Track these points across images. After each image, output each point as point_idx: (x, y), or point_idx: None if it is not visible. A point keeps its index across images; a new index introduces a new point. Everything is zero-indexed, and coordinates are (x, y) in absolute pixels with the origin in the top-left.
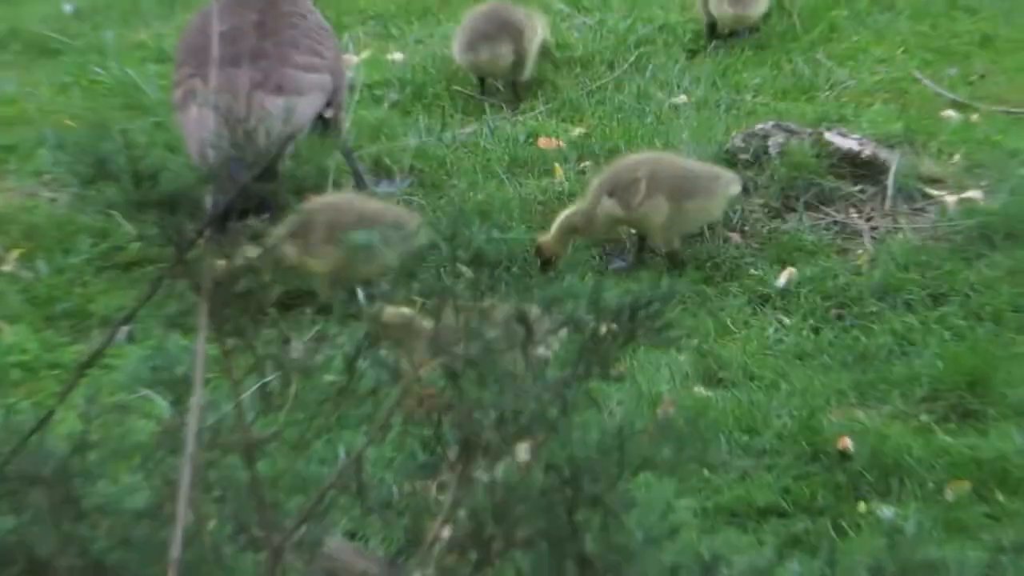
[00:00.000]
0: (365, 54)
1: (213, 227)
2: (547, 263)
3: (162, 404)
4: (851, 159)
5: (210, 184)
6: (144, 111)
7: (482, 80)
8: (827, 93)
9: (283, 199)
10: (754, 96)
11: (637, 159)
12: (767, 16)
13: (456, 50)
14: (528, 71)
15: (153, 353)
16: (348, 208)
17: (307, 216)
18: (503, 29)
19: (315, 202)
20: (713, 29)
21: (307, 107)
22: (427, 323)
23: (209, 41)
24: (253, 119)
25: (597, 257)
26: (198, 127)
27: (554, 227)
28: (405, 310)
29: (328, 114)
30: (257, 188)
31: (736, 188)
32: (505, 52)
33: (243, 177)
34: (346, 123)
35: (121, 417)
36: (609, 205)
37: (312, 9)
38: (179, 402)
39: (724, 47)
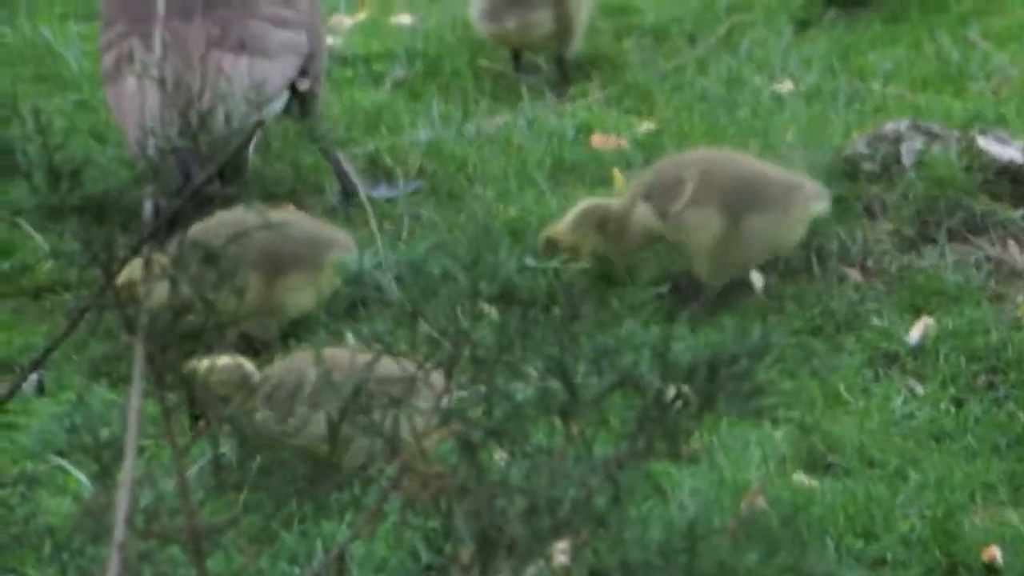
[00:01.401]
0: (361, 15)
1: (153, 242)
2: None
3: (81, 477)
4: (1011, 174)
5: (150, 183)
6: (63, 85)
7: (516, 54)
8: (982, 84)
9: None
10: (884, 85)
11: (689, 156)
12: None
13: (475, 14)
14: (577, 42)
15: (70, 409)
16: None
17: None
18: None
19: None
20: None
21: (277, 73)
22: (267, 376)
23: None
24: (209, 91)
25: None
26: (136, 105)
27: (571, 215)
28: (238, 361)
29: (302, 86)
30: (214, 190)
31: (821, 205)
32: (541, 19)
33: (196, 173)
34: (324, 102)
35: (27, 492)
36: (643, 212)
37: None
38: (104, 475)
39: (845, 18)
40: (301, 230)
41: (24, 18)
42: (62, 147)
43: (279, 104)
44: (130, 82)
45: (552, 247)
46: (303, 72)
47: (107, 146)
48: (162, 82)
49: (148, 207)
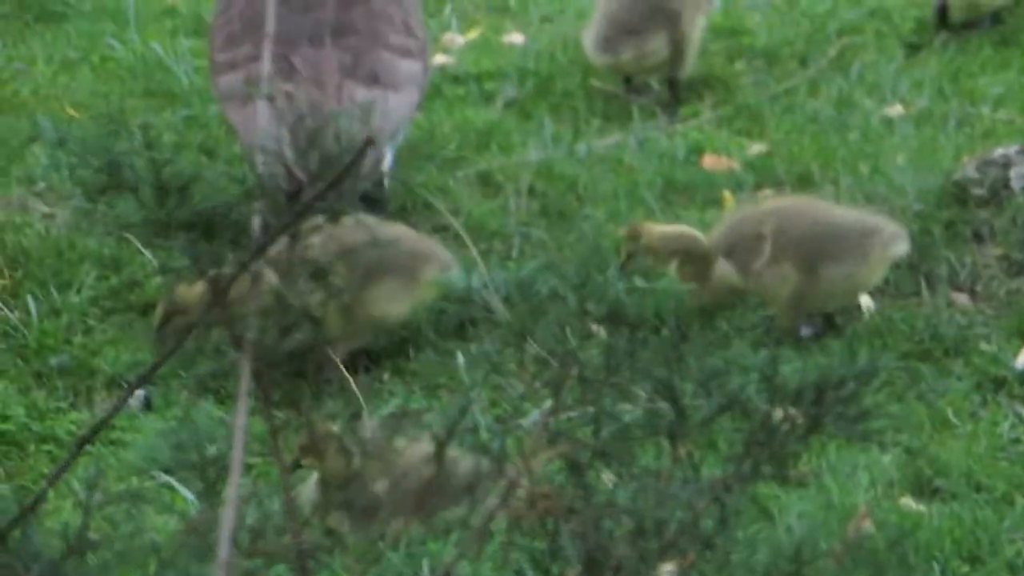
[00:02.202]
0: (473, 34)
1: (261, 258)
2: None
3: (187, 494)
4: None
5: (259, 199)
6: (173, 100)
7: (628, 76)
8: None
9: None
10: (994, 110)
11: (765, 208)
12: (1016, 2)
13: (589, 45)
14: (690, 65)
15: (177, 426)
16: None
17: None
18: (654, 15)
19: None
20: (944, 15)
21: (405, 105)
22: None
23: (276, 5)
24: (343, 121)
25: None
26: (269, 130)
27: (670, 228)
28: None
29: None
30: (327, 207)
31: (902, 248)
32: (658, 47)
33: (346, 199)
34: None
35: (132, 509)
36: (725, 269)
37: None
38: (210, 492)
39: (956, 41)
40: (401, 242)
41: (134, 33)
42: (171, 162)
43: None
44: (262, 106)
45: (635, 239)
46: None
47: (216, 162)
48: (294, 106)
49: (256, 223)
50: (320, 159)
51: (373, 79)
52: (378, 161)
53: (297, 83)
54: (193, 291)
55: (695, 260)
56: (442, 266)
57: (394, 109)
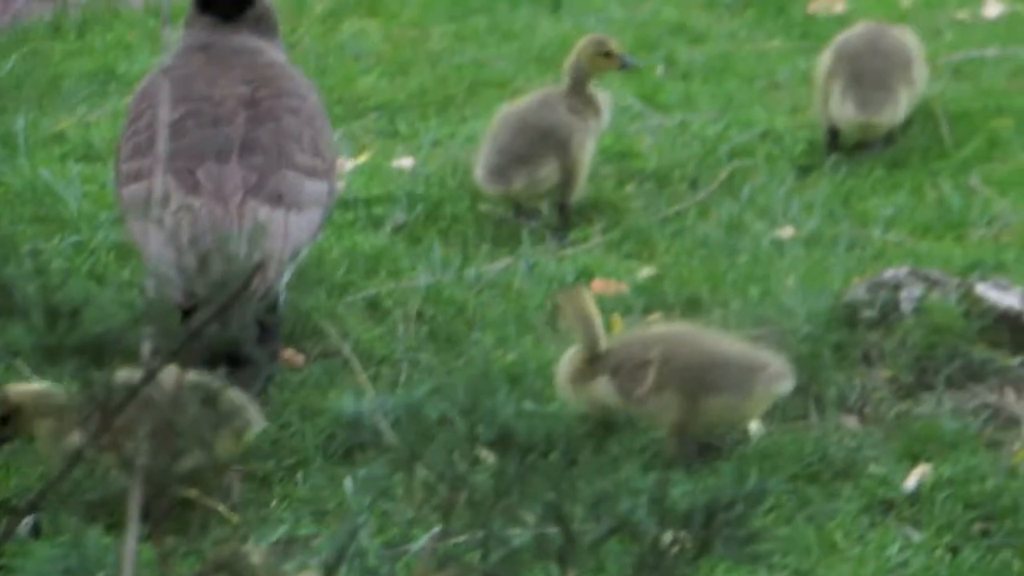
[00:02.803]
0: (363, 158)
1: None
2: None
3: None
4: (1010, 321)
5: (152, 324)
6: (62, 226)
7: (518, 204)
8: (983, 231)
9: (277, 349)
10: (885, 232)
11: (653, 334)
12: (907, 124)
13: (480, 175)
14: (580, 189)
15: (66, 552)
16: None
17: None
18: (544, 142)
19: None
20: (835, 138)
21: (307, 226)
22: (72, 400)
23: (185, 119)
24: (246, 239)
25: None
26: (170, 246)
27: (580, 313)
28: (39, 385)
29: (319, 236)
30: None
31: (786, 386)
32: (549, 173)
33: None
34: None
35: None
36: (605, 387)
37: (311, 84)
38: None
39: (848, 164)
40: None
41: (24, 159)
42: (60, 287)
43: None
44: (165, 220)
45: (558, 311)
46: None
47: (106, 287)
48: (194, 223)
49: (146, 347)
50: (213, 281)
51: (276, 198)
52: (273, 283)
53: (200, 198)
54: (26, 389)
55: (582, 359)
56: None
57: (295, 230)
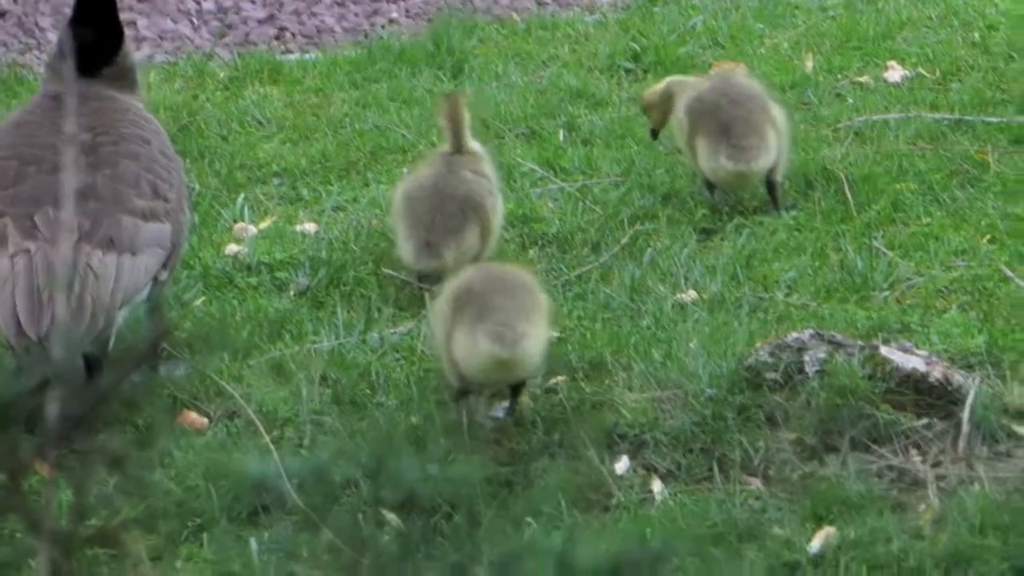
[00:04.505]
0: (265, 223)
1: (58, 444)
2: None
3: None
4: (915, 383)
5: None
6: None
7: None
8: (886, 293)
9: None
10: (788, 294)
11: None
12: (808, 186)
13: (410, 255)
14: (489, 253)
15: None
16: None
17: None
18: (465, 210)
19: None
20: (711, 189)
21: (142, 271)
22: None
23: (27, 165)
24: (76, 286)
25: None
26: (7, 291)
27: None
28: None
29: (160, 276)
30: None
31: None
32: (473, 241)
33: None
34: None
35: None
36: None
37: (157, 128)
38: None
39: (750, 226)
40: None
41: None
42: None
43: (142, 295)
44: (3, 263)
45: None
46: (163, 264)
47: None
48: (28, 266)
49: (52, 410)
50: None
51: (109, 243)
52: (105, 326)
53: (36, 243)
54: None
55: None
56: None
57: (128, 273)
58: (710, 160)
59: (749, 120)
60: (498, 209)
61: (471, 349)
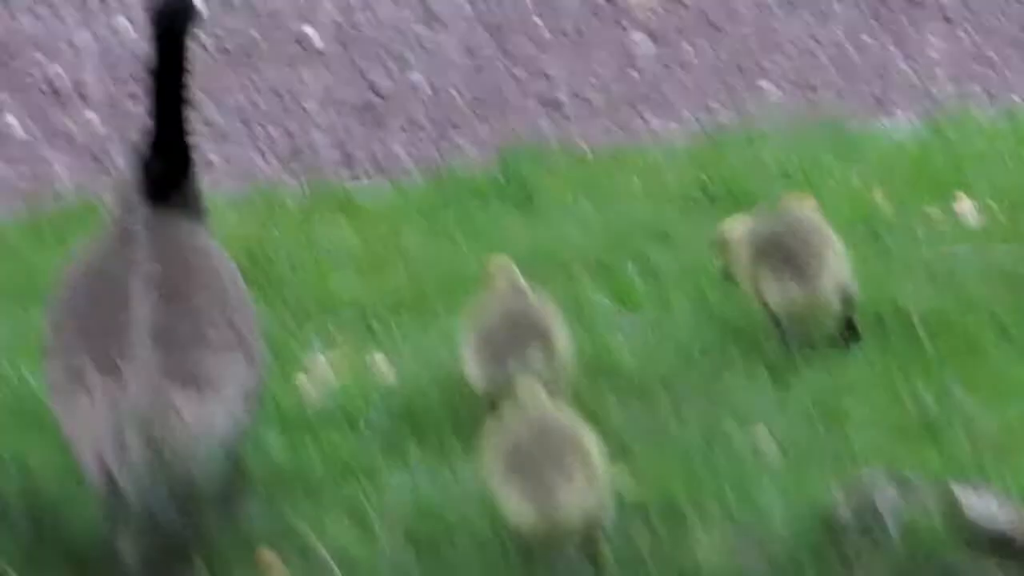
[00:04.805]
0: (336, 356)
1: None
2: None
3: None
4: (990, 530)
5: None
6: (45, 431)
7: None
8: (959, 433)
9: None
10: (859, 432)
11: None
12: (880, 324)
13: (476, 374)
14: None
15: None
16: None
17: None
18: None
19: None
20: (778, 324)
21: (226, 412)
22: None
23: (99, 302)
24: (164, 427)
25: None
26: (89, 428)
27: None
28: None
29: (242, 414)
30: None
31: None
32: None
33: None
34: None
35: None
36: None
37: (226, 258)
38: None
39: (819, 362)
40: None
41: (6, 360)
42: (42, 492)
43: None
44: (83, 401)
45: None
46: (244, 400)
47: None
48: (116, 408)
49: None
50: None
51: (193, 382)
52: (188, 465)
53: (117, 381)
54: None
55: None
56: None
57: (210, 412)
58: (777, 293)
59: (809, 248)
60: (563, 335)
61: (519, 518)
